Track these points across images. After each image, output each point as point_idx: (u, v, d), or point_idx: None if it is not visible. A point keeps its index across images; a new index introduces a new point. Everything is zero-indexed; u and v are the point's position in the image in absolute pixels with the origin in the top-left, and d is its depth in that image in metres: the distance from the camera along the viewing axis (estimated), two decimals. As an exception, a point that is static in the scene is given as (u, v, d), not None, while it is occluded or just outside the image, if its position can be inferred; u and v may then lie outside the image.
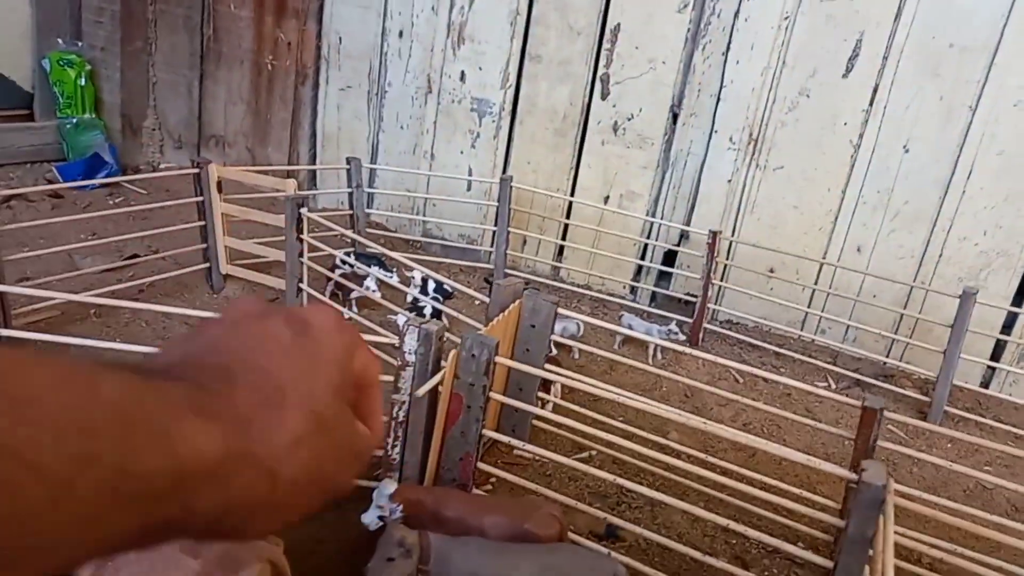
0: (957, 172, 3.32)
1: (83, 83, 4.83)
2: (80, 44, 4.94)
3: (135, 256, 3.49)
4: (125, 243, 3.52)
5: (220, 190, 3.28)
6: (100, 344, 2.16)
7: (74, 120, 4.83)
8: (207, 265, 3.38)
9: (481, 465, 2.11)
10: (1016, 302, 3.35)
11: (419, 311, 3.21)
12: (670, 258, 3.97)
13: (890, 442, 2.41)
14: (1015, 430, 3.10)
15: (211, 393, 0.41)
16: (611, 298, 3.96)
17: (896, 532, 1.86)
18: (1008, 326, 3.38)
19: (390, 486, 1.85)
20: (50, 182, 4.51)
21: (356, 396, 0.50)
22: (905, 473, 2.74)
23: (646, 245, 3.96)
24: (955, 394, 3.20)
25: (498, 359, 1.98)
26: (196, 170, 3.24)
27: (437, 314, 3.18)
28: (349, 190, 3.91)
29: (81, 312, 2.96)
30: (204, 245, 3.35)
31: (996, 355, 3.40)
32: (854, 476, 1.65)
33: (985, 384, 3.45)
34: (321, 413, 0.45)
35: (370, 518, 1.84)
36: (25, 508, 0.32)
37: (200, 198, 3.28)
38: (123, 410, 0.35)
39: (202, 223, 3.32)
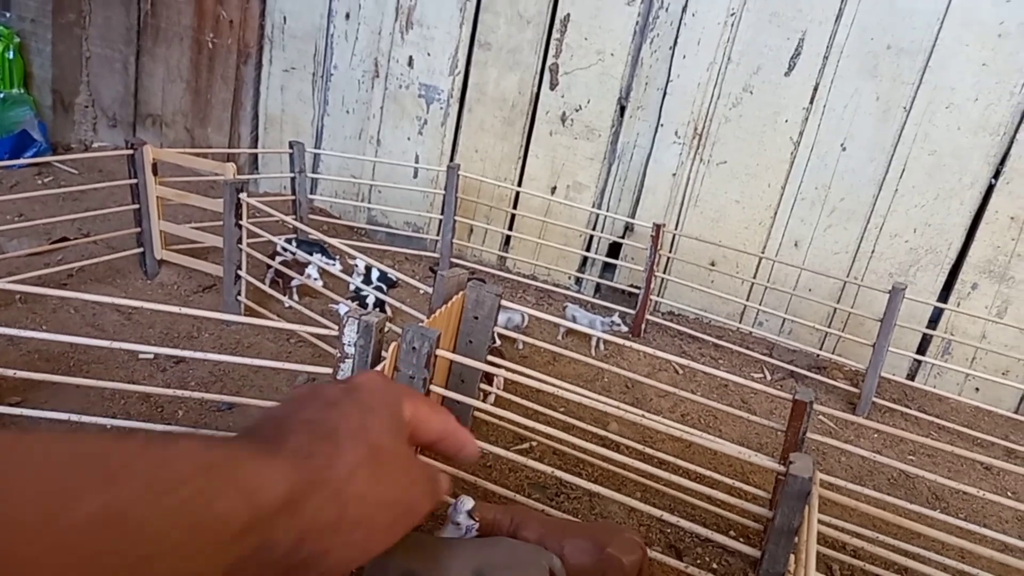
0: (891, 171, 3.43)
1: (11, 56, 4.60)
2: (8, 15, 4.70)
3: (64, 239, 3.36)
4: (54, 225, 3.38)
5: (156, 172, 3.17)
6: (25, 333, 2.07)
7: (1, 95, 4.60)
8: (141, 250, 3.27)
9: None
10: (942, 297, 3.49)
11: (362, 300, 3.17)
12: (615, 250, 4.01)
13: (819, 433, 2.49)
14: (938, 420, 3.24)
15: (268, 439, 0.44)
16: (556, 288, 3.98)
17: (821, 522, 1.93)
18: (934, 320, 3.52)
19: (468, 502, 1.75)
20: (-26, 159, 4.29)
21: (412, 439, 0.55)
22: (833, 463, 2.84)
23: (592, 236, 3.99)
24: (883, 385, 3.32)
25: (439, 352, 1.97)
26: (130, 151, 3.13)
27: (380, 304, 3.15)
28: (292, 175, 3.83)
29: (5, 298, 2.84)
30: (138, 229, 3.24)
31: (922, 349, 3.54)
32: (782, 468, 1.69)
33: (911, 376, 3.59)
34: (376, 443, 0.48)
35: (447, 535, 1.74)
36: (130, 565, 0.34)
37: (134, 180, 3.16)
38: (198, 462, 0.38)
39: (136, 206, 3.20)
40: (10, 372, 1.91)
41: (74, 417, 2.01)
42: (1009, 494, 2.84)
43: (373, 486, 0.47)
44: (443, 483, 0.55)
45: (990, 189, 3.32)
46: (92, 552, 0.33)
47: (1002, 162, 3.27)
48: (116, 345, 2.12)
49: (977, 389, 3.49)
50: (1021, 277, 3.35)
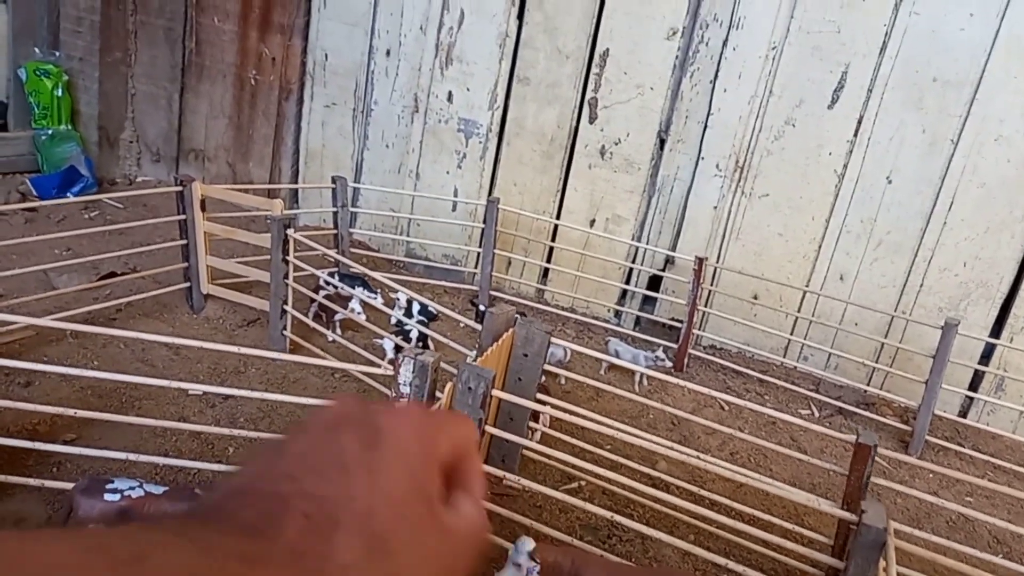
0: (939, 203, 3.38)
1: (60, 94, 4.73)
2: (57, 54, 4.84)
3: (112, 274, 3.41)
4: (102, 261, 3.43)
5: (204, 208, 3.22)
6: (75, 372, 2.09)
7: (49, 131, 4.72)
8: (188, 284, 3.31)
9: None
10: (994, 332, 3.41)
11: (405, 334, 3.17)
12: (655, 283, 3.98)
13: (875, 475, 2.43)
14: (993, 460, 3.14)
15: (260, 535, 0.39)
16: (595, 321, 3.96)
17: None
18: (986, 356, 3.44)
19: (529, 543, 1.67)
20: (23, 195, 4.40)
21: (453, 476, 0.49)
22: (889, 504, 2.76)
23: (631, 269, 3.97)
24: (935, 423, 3.23)
25: (495, 392, 1.95)
26: (179, 187, 3.18)
27: (423, 338, 3.15)
28: (334, 209, 3.86)
29: (57, 333, 2.88)
30: (185, 264, 3.28)
31: (974, 385, 3.45)
32: (853, 517, 1.64)
33: (963, 414, 3.50)
34: (381, 532, 0.43)
35: None
36: None
37: (182, 216, 3.21)
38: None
39: (184, 242, 3.25)
40: (70, 411, 1.92)
41: (129, 456, 2.02)
42: (1075, 539, 2.74)
43: None
44: (486, 528, 0.50)
45: (1043, 222, 3.26)
46: None
47: (1055, 195, 3.21)
48: (166, 384, 2.14)
49: (1033, 427, 3.39)
50: (1078, 312, 3.27)
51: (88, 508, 1.74)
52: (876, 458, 3.03)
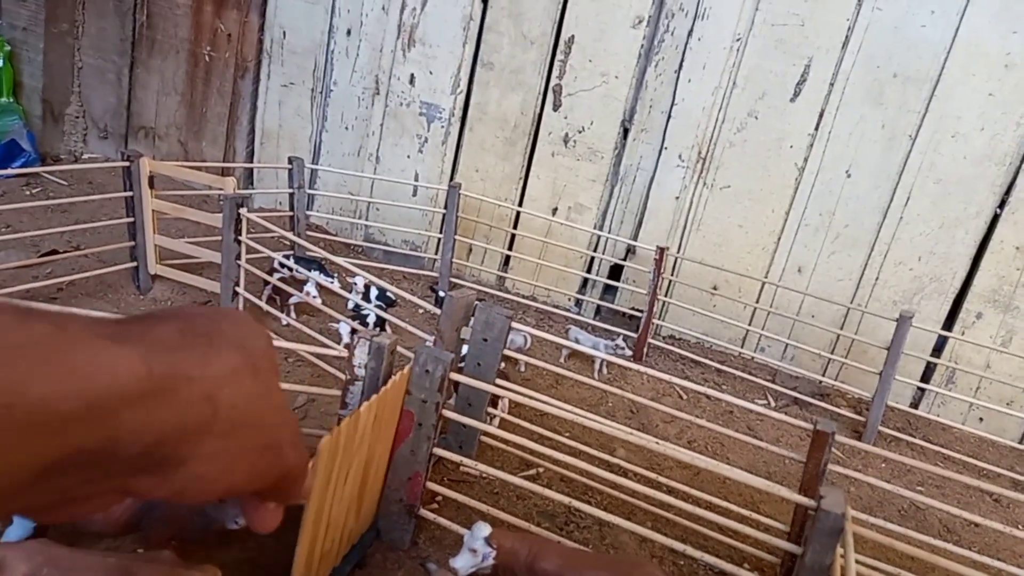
0: (896, 198, 3.42)
1: (1, 64, 4.51)
2: (0, 23, 4.62)
3: (54, 252, 3.26)
4: (43, 238, 3.28)
5: (152, 185, 3.09)
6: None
7: (-11, 103, 4.50)
8: (134, 264, 3.18)
9: (428, 484, 2.03)
10: (947, 326, 3.47)
11: (361, 319, 3.10)
12: (616, 272, 3.96)
13: (830, 462, 2.44)
14: (944, 450, 3.20)
15: (132, 326, 0.39)
16: (556, 310, 3.93)
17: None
18: (938, 349, 3.50)
19: (485, 528, 1.66)
20: (-40, 168, 4.19)
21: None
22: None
23: (593, 258, 3.95)
24: (887, 414, 3.28)
25: (453, 375, 1.90)
26: (126, 163, 3.05)
27: (381, 323, 3.07)
28: (290, 191, 3.76)
29: (-8, 311, 2.72)
30: (132, 243, 3.15)
31: (926, 377, 3.51)
32: (812, 503, 1.63)
33: (915, 405, 3.56)
34: (255, 361, 0.43)
35: (462, 563, 1.64)
36: None
37: (129, 193, 3.08)
38: (12, 338, 0.33)
39: (130, 219, 3.12)
40: None
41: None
42: (1020, 527, 2.80)
43: (251, 400, 0.42)
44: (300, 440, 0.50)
45: (995, 219, 3.32)
46: None
47: (1008, 192, 3.27)
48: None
49: (981, 419, 3.46)
50: (1026, 307, 3.34)
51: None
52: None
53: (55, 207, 3.74)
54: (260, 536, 1.87)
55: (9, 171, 4.14)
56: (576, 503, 1.95)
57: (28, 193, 4.10)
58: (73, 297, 3.03)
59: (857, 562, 1.88)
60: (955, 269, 3.40)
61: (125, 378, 0.35)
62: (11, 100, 4.61)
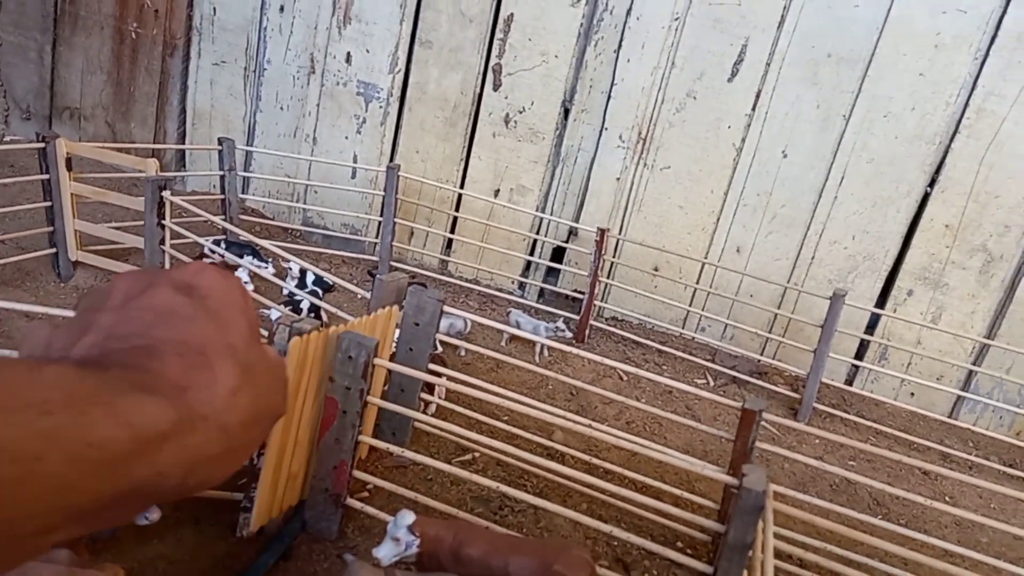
0: (830, 178, 3.46)
1: (-90, 40, 4.26)
2: (-93, -5, 4.36)
3: (-33, 238, 3.10)
4: (-45, 223, 3.11)
5: (70, 168, 2.95)
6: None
7: (-102, 81, 4.25)
8: (53, 251, 3.04)
9: (356, 473, 1.99)
10: (879, 304, 3.54)
11: (296, 306, 3.02)
12: (559, 254, 3.94)
13: (763, 440, 2.46)
14: (876, 425, 3.27)
15: (144, 371, 0.42)
16: (499, 293, 3.89)
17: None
18: (871, 326, 3.57)
19: (408, 516, 1.62)
20: None
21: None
22: (777, 470, 2.83)
23: (535, 240, 3.92)
24: (823, 391, 3.34)
25: (377, 361, 1.85)
26: (41, 144, 2.90)
27: (315, 310, 3.00)
28: (221, 173, 3.63)
29: None
30: (50, 228, 3.01)
31: (860, 354, 3.58)
32: (735, 481, 1.64)
33: (849, 381, 3.63)
34: (243, 360, 0.47)
35: (385, 552, 1.59)
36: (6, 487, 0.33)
37: (46, 176, 2.94)
38: (70, 389, 0.37)
39: (48, 204, 2.98)
40: None
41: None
42: (947, 499, 2.88)
43: (250, 408, 0.47)
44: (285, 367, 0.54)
45: (926, 197, 3.38)
46: None
47: (937, 171, 3.34)
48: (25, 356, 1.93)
49: (912, 394, 3.55)
50: (955, 284, 3.42)
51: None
52: (765, 424, 3.11)
53: (-30, 192, 3.55)
54: (175, 532, 1.80)
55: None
56: (510, 489, 1.93)
57: (-58, 177, 3.89)
58: (-13, 286, 2.88)
59: (779, 537, 1.90)
60: (887, 247, 3.47)
61: (162, 422, 0.40)
62: (-77, 79, 4.36)
